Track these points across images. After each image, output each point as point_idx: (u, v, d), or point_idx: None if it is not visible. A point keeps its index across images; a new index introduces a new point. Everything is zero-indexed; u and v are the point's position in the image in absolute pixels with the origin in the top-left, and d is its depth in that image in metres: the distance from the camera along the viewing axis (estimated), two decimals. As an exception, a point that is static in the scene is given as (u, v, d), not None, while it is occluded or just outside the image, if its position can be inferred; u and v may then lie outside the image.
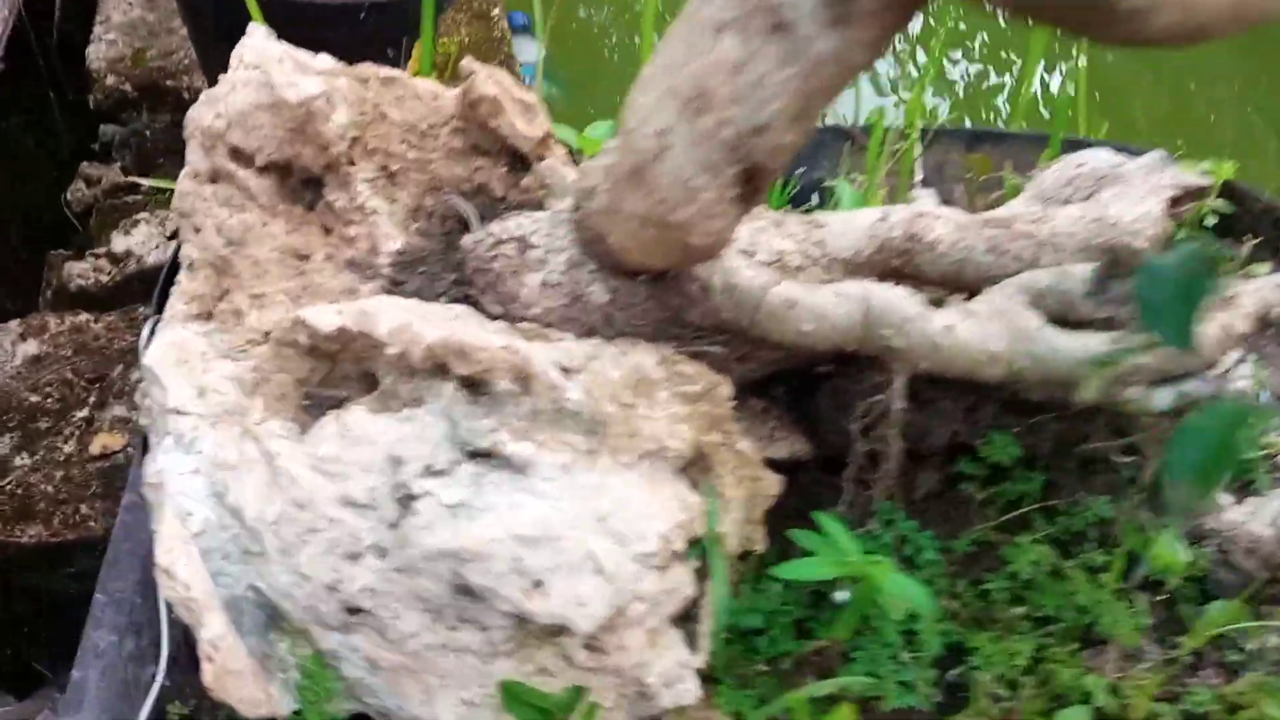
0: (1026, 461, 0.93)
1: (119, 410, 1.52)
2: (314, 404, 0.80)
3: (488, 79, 0.85)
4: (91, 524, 1.40)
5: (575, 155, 1.03)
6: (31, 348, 1.60)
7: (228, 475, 0.74)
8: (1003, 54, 3.25)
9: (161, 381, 0.78)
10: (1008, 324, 0.81)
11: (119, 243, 1.85)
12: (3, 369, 1.58)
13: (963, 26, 3.24)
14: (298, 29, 1.00)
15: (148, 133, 2.04)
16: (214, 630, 0.72)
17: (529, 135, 0.86)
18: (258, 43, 0.88)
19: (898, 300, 0.80)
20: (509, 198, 0.90)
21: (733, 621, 0.83)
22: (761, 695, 0.85)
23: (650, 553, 0.69)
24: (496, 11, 2.25)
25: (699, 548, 0.77)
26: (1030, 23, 0.48)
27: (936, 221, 0.88)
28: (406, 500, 0.70)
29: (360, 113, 0.88)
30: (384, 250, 0.87)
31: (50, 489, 1.44)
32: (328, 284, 0.85)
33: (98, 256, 1.85)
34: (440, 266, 0.87)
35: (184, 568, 0.71)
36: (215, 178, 0.86)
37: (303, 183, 0.89)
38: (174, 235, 1.84)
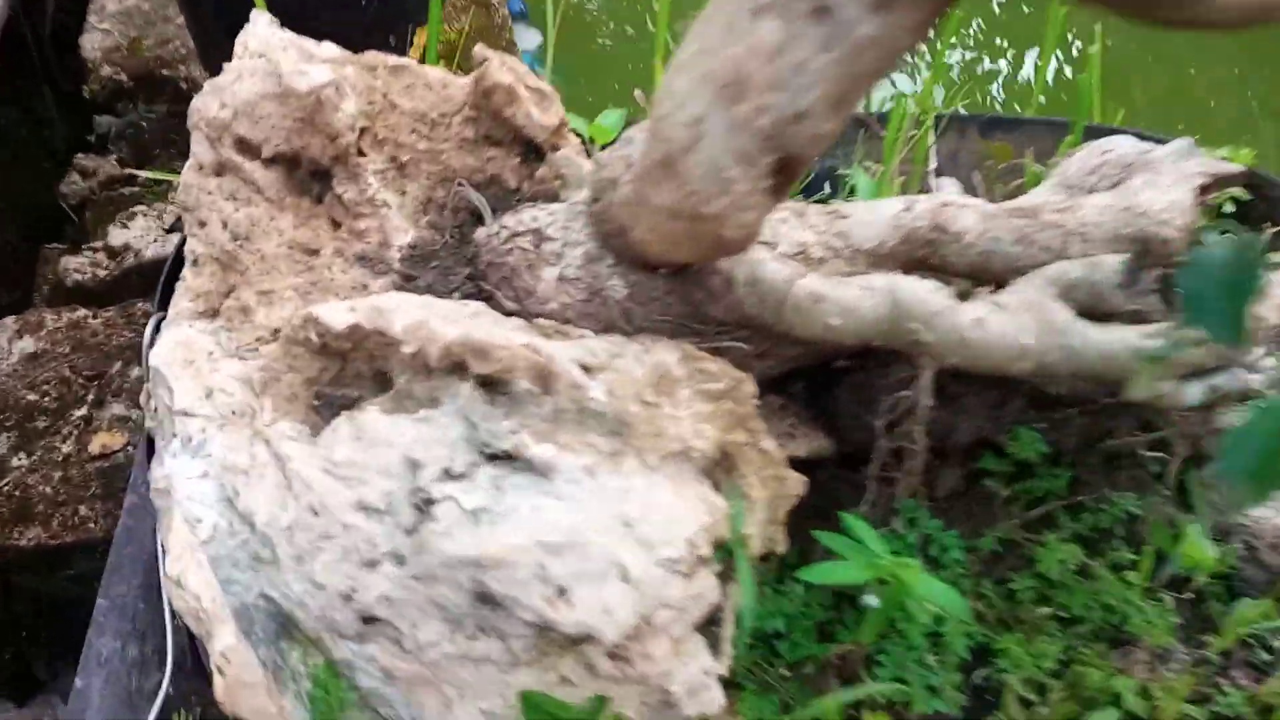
0: (1051, 458, 0.91)
1: (118, 408, 1.49)
2: (324, 404, 0.77)
3: (502, 66, 0.82)
4: (91, 525, 1.37)
5: (587, 144, 1.00)
6: (28, 344, 1.57)
7: (238, 480, 0.71)
8: (998, 40, 3.23)
9: (168, 382, 0.76)
10: (1038, 317, 0.78)
11: (116, 236, 1.81)
12: (-1, 366, 1.55)
13: (958, 12, 3.22)
14: (297, 16, 0.97)
15: (144, 123, 2.01)
16: (225, 641, 0.69)
17: (544, 124, 0.84)
18: (262, 30, 0.85)
19: (926, 293, 0.77)
20: (522, 189, 0.88)
21: (755, 625, 0.81)
22: (784, 701, 0.83)
23: (677, 558, 0.67)
24: (496, -3, 2.22)
25: (723, 551, 0.75)
26: (1094, 5, 0.46)
27: (962, 211, 0.85)
28: (424, 505, 0.67)
29: (369, 102, 0.86)
30: (395, 244, 0.84)
31: (49, 490, 1.41)
32: (337, 279, 0.82)
33: (95, 250, 1.82)
34: (453, 260, 0.85)
35: (194, 577, 0.68)
36: (221, 170, 0.84)
37: (310, 175, 0.86)
38: (172, 229, 1.81)
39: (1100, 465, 0.93)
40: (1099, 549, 0.90)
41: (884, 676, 0.82)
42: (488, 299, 0.83)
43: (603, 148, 1.05)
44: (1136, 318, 0.84)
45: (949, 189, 1.10)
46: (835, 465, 0.94)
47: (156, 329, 0.89)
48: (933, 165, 1.31)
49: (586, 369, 0.70)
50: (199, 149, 0.84)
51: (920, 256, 0.86)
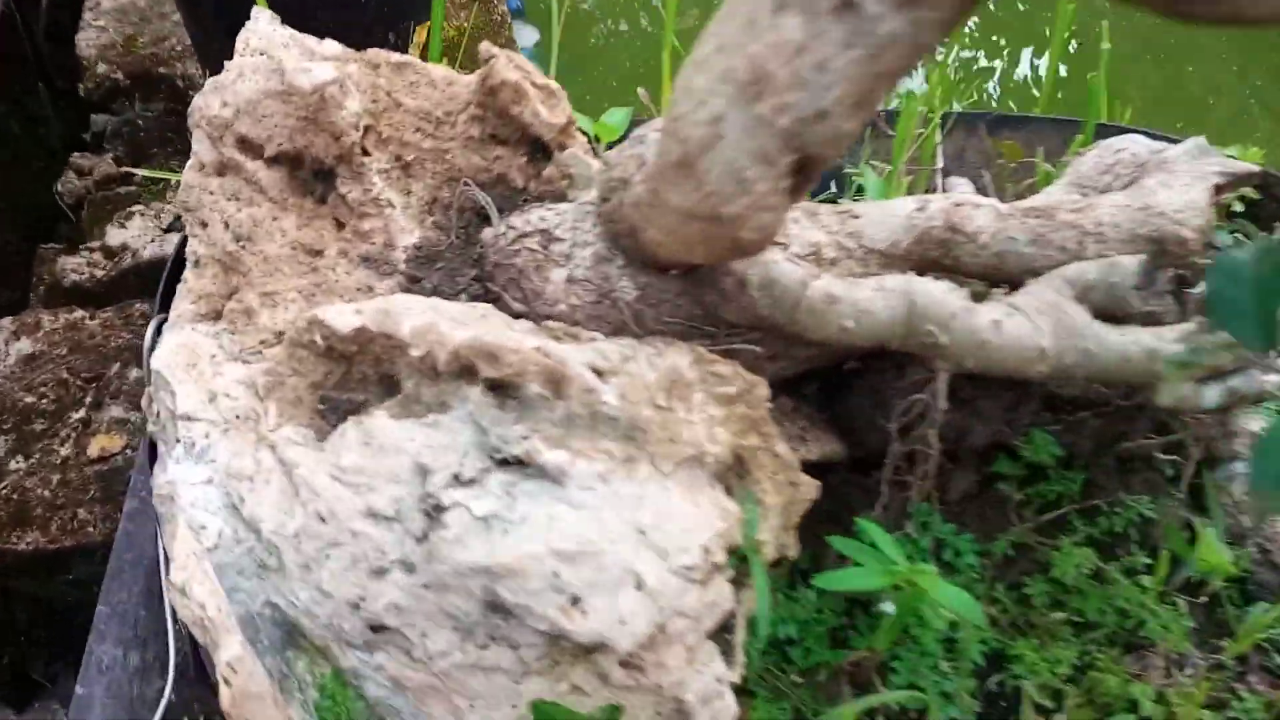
0: (1065, 461, 0.90)
1: (117, 411, 1.47)
2: (329, 409, 0.76)
3: (509, 63, 0.81)
4: (90, 530, 1.36)
5: (592, 143, 0.99)
6: (25, 346, 1.55)
7: (243, 486, 0.70)
8: (994, 38, 3.22)
9: (170, 386, 0.74)
10: (1056, 319, 0.77)
11: (113, 236, 1.79)
12: (-5, 368, 1.53)
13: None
14: (297, 14, 0.95)
15: (140, 121, 1.99)
16: (232, 651, 0.68)
17: (552, 122, 0.82)
18: (264, 28, 0.84)
19: (942, 295, 0.76)
20: (529, 188, 0.86)
21: (767, 631, 0.80)
22: (797, 708, 0.82)
23: (692, 565, 0.66)
24: (495, -6, 2.20)
25: (736, 556, 0.74)
26: (1126, 1, 0.45)
27: (976, 211, 0.84)
28: (435, 512, 0.66)
29: (372, 100, 0.84)
30: (400, 245, 0.83)
31: (47, 493, 1.39)
32: (342, 281, 0.81)
33: (92, 250, 1.80)
34: (459, 261, 0.83)
35: (199, 585, 0.67)
36: (222, 170, 0.82)
37: (314, 174, 0.85)
38: (170, 228, 1.79)
39: (1114, 468, 0.91)
40: (1113, 553, 0.89)
41: (898, 683, 0.81)
42: (495, 300, 0.82)
43: (608, 146, 1.04)
44: (1150, 319, 0.83)
45: (961, 188, 1.09)
46: (847, 469, 0.93)
47: (157, 331, 0.88)
48: (939, 164, 1.30)
49: (598, 372, 0.69)
50: (200, 148, 0.82)
51: (933, 257, 0.84)
